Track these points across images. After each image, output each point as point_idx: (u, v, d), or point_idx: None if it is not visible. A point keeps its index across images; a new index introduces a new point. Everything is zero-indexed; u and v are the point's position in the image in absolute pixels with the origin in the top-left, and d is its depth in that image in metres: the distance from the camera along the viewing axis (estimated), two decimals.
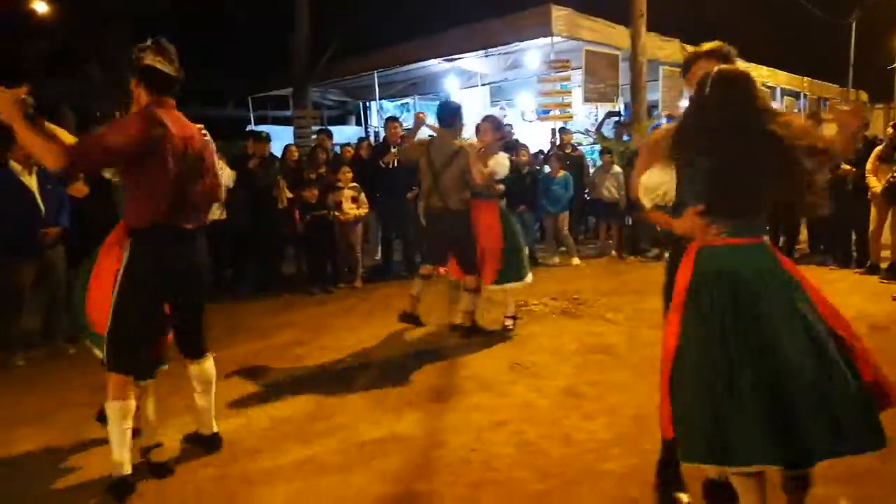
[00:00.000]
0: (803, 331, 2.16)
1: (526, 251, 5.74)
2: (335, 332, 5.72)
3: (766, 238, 2.38)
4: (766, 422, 2.04)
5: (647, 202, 2.58)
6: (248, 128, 14.14)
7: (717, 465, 2.16)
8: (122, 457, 3.00)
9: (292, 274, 7.94)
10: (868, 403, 2.13)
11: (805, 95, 18.60)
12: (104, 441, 3.17)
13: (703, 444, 2.11)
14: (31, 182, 5.15)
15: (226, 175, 7.31)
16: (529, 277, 5.51)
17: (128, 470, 3.03)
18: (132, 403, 3.05)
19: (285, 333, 5.77)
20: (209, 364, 3.44)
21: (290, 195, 7.43)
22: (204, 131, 3.19)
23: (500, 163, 5.33)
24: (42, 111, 2.99)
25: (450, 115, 5.33)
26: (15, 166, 5.10)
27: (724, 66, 2.37)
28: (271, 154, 7.81)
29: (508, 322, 5.54)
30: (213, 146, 3.27)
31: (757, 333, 2.12)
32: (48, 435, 3.80)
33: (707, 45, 2.72)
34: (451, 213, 5.17)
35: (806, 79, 18.38)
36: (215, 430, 3.51)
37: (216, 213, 7.22)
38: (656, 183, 2.54)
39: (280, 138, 11.39)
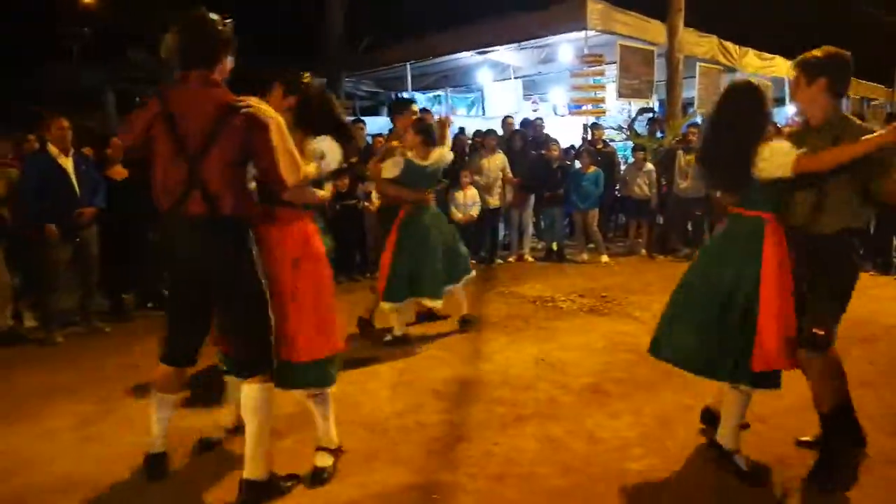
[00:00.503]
0: None
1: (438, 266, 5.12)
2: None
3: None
4: None
5: None
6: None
7: None
8: (153, 436, 3.04)
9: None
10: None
11: (848, 95, 18.14)
12: (129, 418, 3.25)
13: None
14: (68, 164, 5.30)
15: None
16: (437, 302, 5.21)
17: (159, 448, 3.06)
18: (170, 398, 3.02)
19: (343, 315, 5.80)
20: (251, 390, 2.81)
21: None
22: (244, 107, 2.69)
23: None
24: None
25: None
26: (52, 149, 5.25)
27: None
28: None
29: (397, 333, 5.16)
30: (252, 123, 2.70)
31: None
32: (81, 408, 3.94)
33: None
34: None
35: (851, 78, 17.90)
36: (257, 475, 2.82)
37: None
38: None
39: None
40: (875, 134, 2.68)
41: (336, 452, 3.18)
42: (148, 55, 13.56)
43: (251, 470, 2.81)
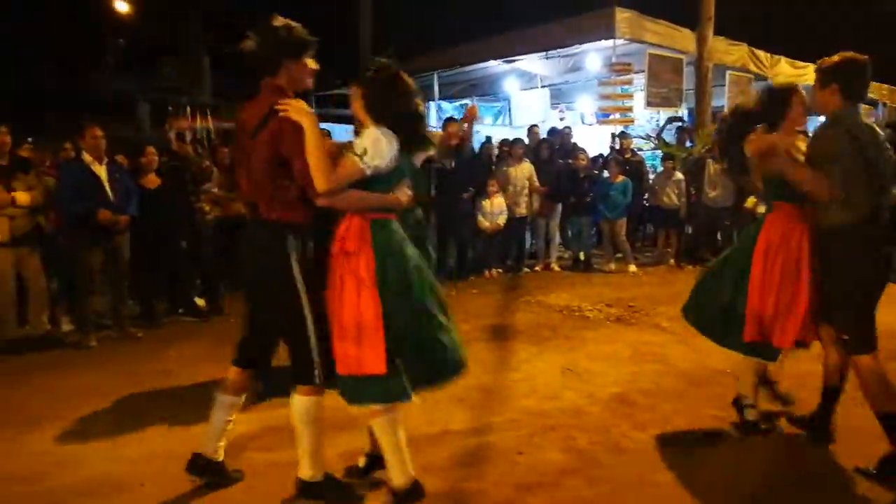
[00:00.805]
0: None
1: None
2: None
3: None
4: None
5: None
6: None
7: None
8: (207, 437, 3.01)
9: None
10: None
11: (885, 104, 17.77)
12: (163, 419, 3.28)
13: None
14: (102, 172, 5.46)
15: None
16: None
17: (211, 454, 3.00)
18: (229, 400, 2.99)
19: None
20: (297, 400, 2.76)
21: None
22: (281, 109, 2.62)
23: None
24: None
25: None
26: (86, 157, 5.41)
27: None
28: None
29: None
30: (284, 125, 2.62)
31: None
32: (114, 411, 4.02)
33: None
34: None
35: (885, 86, 17.54)
36: (309, 475, 2.82)
37: None
38: None
39: (340, 137, 11.59)
40: None
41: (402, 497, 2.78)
42: (178, 66, 13.88)
43: (304, 470, 2.83)
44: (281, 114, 2.62)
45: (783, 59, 12.92)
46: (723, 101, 12.25)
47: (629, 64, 10.52)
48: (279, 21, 2.73)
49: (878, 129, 3.07)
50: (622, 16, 9.89)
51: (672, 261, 8.87)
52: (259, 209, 2.72)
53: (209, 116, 11.55)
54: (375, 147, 2.60)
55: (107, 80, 16.37)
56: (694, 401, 3.98)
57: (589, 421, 3.78)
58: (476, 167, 8.36)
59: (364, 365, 2.58)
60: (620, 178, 8.60)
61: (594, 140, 11.58)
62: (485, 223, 8.03)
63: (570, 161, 8.85)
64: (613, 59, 10.44)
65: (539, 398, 4.14)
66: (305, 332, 2.71)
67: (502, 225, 8.10)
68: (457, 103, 15.61)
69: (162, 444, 3.45)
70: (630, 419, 3.79)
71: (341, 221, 2.70)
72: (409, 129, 2.74)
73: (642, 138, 11.25)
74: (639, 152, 10.35)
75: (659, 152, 10.50)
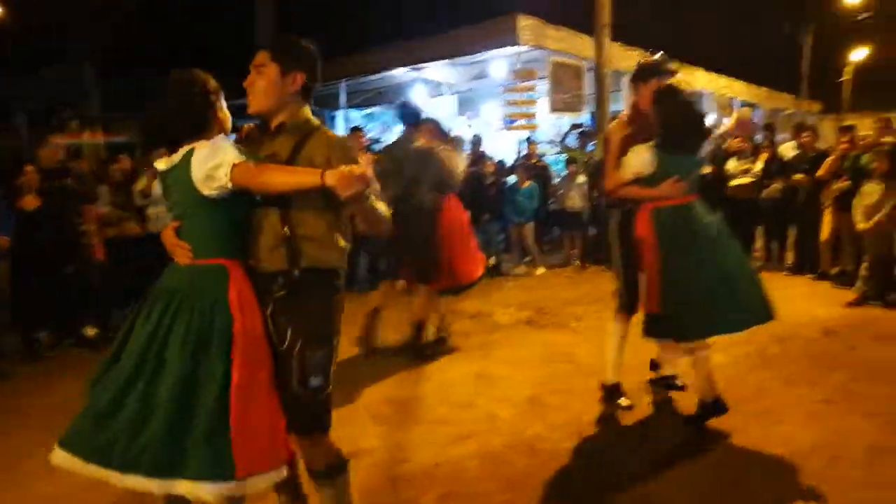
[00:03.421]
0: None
1: None
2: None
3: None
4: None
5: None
6: None
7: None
8: None
9: None
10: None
11: (761, 106, 19.08)
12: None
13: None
14: None
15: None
16: None
17: None
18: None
19: None
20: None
21: None
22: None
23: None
24: None
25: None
26: None
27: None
28: None
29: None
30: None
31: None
32: None
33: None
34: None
35: (762, 89, 18.85)
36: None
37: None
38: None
39: None
40: None
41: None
42: (63, 75, 13.07)
43: None
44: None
45: (674, 64, 13.58)
46: (621, 105, 12.75)
47: (533, 70, 10.77)
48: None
49: None
50: (524, 22, 10.11)
51: (577, 262, 9.14)
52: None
53: (97, 130, 10.91)
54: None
55: None
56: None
57: (503, 425, 3.82)
58: None
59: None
60: (527, 182, 8.79)
61: (502, 146, 11.78)
62: None
63: (477, 168, 8.96)
64: (517, 66, 10.66)
65: (453, 406, 4.14)
66: None
67: None
68: (365, 111, 15.52)
69: (43, 488, 3.19)
70: (543, 420, 3.85)
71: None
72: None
73: (547, 143, 11.53)
74: (544, 157, 10.61)
75: (563, 157, 10.81)
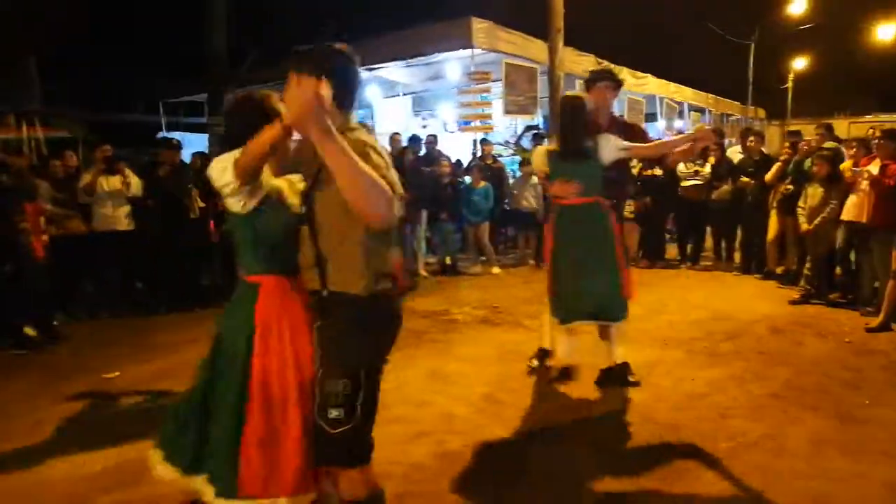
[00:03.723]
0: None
1: None
2: None
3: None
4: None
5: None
6: (160, 134, 13.61)
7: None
8: None
9: (209, 286, 7.67)
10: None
11: (710, 111, 19.63)
12: None
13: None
14: None
15: (133, 184, 7.02)
16: None
17: None
18: None
19: (197, 349, 5.50)
20: None
21: (202, 204, 7.20)
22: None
23: None
24: None
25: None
26: None
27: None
28: (182, 162, 7.54)
29: None
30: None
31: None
32: None
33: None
34: None
35: (711, 96, 19.39)
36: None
37: (124, 222, 6.94)
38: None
39: (193, 146, 11.02)
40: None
41: None
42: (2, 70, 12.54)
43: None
44: None
45: (625, 69, 13.86)
46: None
47: (487, 73, 10.82)
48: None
49: None
50: (478, 25, 10.14)
51: (532, 261, 9.22)
52: None
53: (38, 125, 10.48)
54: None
55: None
56: (557, 394, 4.13)
57: (459, 424, 3.81)
58: None
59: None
60: (483, 183, 8.82)
61: (457, 147, 11.79)
62: None
63: (433, 168, 8.95)
64: (472, 68, 10.69)
65: (409, 405, 4.11)
66: None
67: None
68: None
69: None
70: (498, 418, 3.86)
71: None
72: None
73: (501, 145, 11.60)
74: (499, 158, 10.66)
75: (517, 158, 10.88)
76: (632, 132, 4.24)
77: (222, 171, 2.14)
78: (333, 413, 2.09)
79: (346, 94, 2.18)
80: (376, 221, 1.88)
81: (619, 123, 4.38)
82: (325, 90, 1.79)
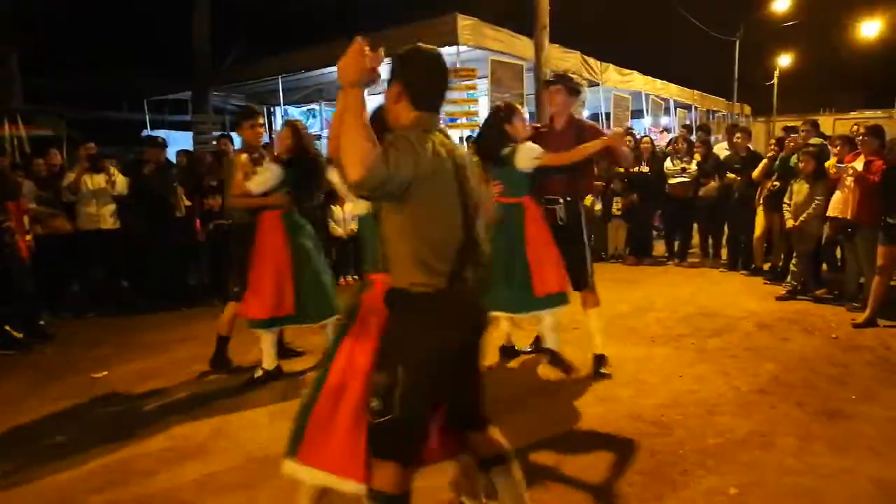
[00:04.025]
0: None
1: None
2: (238, 346, 5.49)
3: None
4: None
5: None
6: (144, 132, 13.49)
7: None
8: None
9: (195, 285, 7.61)
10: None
11: (696, 108, 19.73)
12: None
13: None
14: None
15: (118, 182, 6.95)
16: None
17: None
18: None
19: (185, 348, 5.50)
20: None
21: (187, 203, 7.14)
22: None
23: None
24: None
25: None
26: None
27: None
28: (167, 160, 7.47)
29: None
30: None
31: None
32: None
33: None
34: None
35: (696, 92, 19.48)
36: None
37: (109, 221, 6.87)
38: None
39: (178, 144, 10.92)
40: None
41: None
42: None
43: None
44: None
45: (611, 67, 13.90)
46: None
47: (473, 70, 10.80)
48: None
49: None
50: (464, 23, 10.12)
51: None
52: None
53: (20, 123, 10.35)
54: None
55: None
56: (544, 388, 4.12)
57: None
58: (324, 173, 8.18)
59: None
60: None
61: None
62: (338, 230, 7.89)
63: None
64: (458, 65, 10.67)
65: None
66: None
67: (355, 230, 8.00)
68: (304, 108, 15.28)
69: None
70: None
71: None
72: None
73: None
74: None
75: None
76: (587, 133, 4.37)
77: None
78: (373, 403, 2.15)
79: (418, 92, 2.22)
80: (347, 177, 1.95)
81: (576, 125, 4.45)
82: (372, 57, 2.00)
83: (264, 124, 4.75)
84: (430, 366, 2.13)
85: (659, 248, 9.24)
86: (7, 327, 5.71)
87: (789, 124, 9.53)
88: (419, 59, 2.28)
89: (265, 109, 16.27)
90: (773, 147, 7.59)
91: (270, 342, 4.57)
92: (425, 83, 2.24)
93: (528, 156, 4.13)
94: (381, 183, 1.93)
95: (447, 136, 2.23)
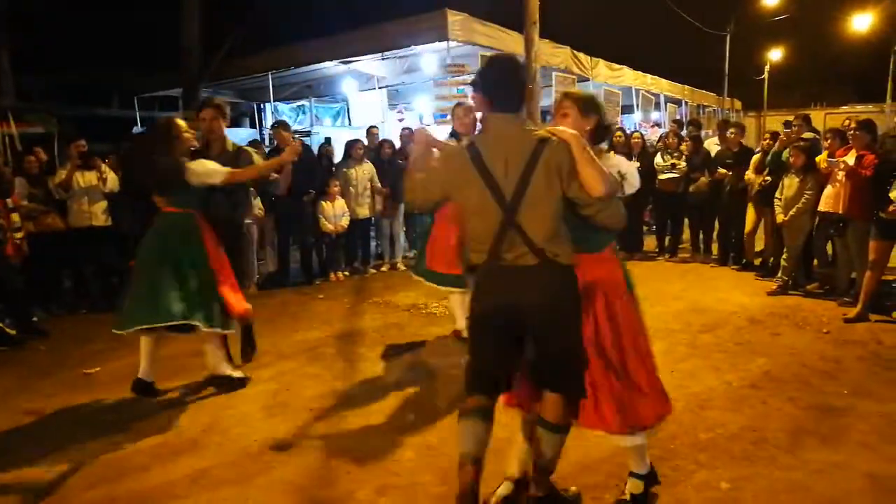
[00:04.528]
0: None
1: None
2: (229, 340, 5.46)
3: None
4: None
5: None
6: (135, 129, 13.42)
7: None
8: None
9: None
10: None
11: (686, 103, 19.77)
12: None
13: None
14: None
15: (110, 179, 6.90)
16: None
17: None
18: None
19: (176, 344, 5.45)
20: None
21: None
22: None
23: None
24: None
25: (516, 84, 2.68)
26: None
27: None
28: None
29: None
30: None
31: None
32: None
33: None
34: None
35: (687, 87, 19.53)
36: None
37: (101, 218, 6.84)
38: None
39: None
40: None
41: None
42: None
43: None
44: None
45: (601, 62, 13.90)
46: (550, 100, 12.94)
47: (463, 65, 10.77)
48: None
49: None
50: (454, 18, 10.09)
51: None
52: None
53: (11, 121, 10.26)
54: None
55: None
56: None
57: (439, 417, 3.79)
58: (316, 169, 8.16)
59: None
60: None
61: None
62: (328, 226, 7.86)
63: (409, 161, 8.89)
64: (448, 61, 10.64)
65: (390, 398, 4.10)
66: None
67: (346, 227, 7.98)
68: (293, 104, 15.22)
69: None
70: None
71: None
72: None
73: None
74: None
75: None
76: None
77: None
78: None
79: (497, 95, 2.57)
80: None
81: None
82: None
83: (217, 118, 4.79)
84: (472, 321, 2.71)
85: (650, 243, 9.26)
86: (1, 324, 5.69)
87: (788, 118, 9.55)
88: (490, 66, 2.67)
89: (255, 106, 16.23)
90: (767, 140, 7.59)
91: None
92: (502, 87, 2.57)
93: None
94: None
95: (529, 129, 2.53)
